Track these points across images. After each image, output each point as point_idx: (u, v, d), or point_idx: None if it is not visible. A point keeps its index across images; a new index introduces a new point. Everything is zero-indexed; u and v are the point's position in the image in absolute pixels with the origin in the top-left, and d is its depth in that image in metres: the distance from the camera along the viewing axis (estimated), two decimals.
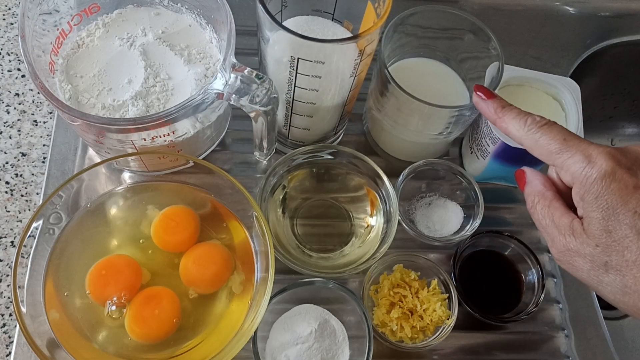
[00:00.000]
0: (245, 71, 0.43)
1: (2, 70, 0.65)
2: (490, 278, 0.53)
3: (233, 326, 0.44)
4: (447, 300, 0.48)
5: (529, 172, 0.41)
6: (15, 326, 0.54)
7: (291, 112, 0.50)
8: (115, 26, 0.51)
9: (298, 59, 0.42)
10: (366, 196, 0.53)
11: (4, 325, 0.55)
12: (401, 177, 0.52)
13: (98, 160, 0.53)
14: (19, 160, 0.61)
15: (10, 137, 0.62)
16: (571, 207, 0.37)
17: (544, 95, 0.53)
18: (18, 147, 0.62)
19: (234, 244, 0.48)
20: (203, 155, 0.55)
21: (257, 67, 0.46)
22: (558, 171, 0.38)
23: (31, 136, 0.62)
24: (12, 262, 0.56)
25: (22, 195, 0.60)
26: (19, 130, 0.62)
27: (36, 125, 0.63)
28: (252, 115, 0.45)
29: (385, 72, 0.47)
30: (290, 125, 0.52)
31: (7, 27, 0.68)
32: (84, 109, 0.47)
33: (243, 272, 0.47)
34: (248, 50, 0.57)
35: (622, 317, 0.72)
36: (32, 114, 0.63)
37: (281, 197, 0.53)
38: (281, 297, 0.45)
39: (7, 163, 0.61)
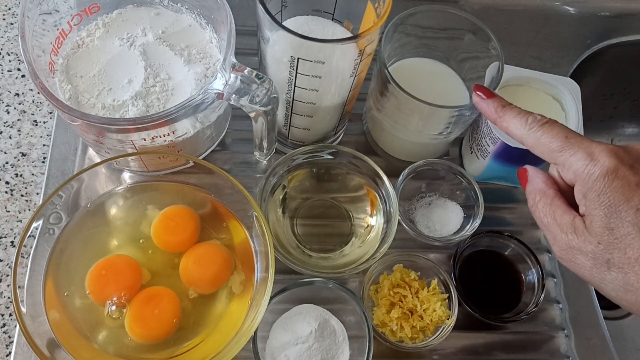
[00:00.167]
0: (245, 71, 0.43)
1: (2, 70, 0.65)
2: (490, 278, 0.53)
3: (233, 326, 0.44)
4: (447, 300, 0.48)
5: (530, 170, 0.41)
6: (15, 326, 0.54)
7: (291, 112, 0.50)
8: (115, 26, 0.51)
9: (298, 59, 0.42)
10: (366, 196, 0.53)
11: (4, 325, 0.55)
12: (401, 177, 0.52)
13: (98, 160, 0.53)
14: (19, 160, 0.61)
15: (10, 137, 0.62)
16: (572, 206, 0.37)
17: (544, 95, 0.53)
18: (18, 147, 0.62)
19: (234, 244, 0.48)
20: (203, 155, 0.55)
21: (257, 67, 0.46)
22: (560, 169, 0.38)
23: (31, 136, 0.62)
24: (12, 262, 0.56)
25: (22, 195, 0.60)
26: (19, 130, 0.62)
27: (36, 125, 0.63)
28: (252, 115, 0.45)
29: (385, 72, 0.47)
30: (290, 125, 0.52)
31: (7, 27, 0.68)
32: (84, 109, 0.47)
33: (243, 272, 0.47)
34: (248, 50, 0.57)
35: (622, 317, 0.72)
36: (32, 114, 0.63)
37: (281, 197, 0.53)
38: (281, 297, 0.45)
39: (7, 163, 0.61)
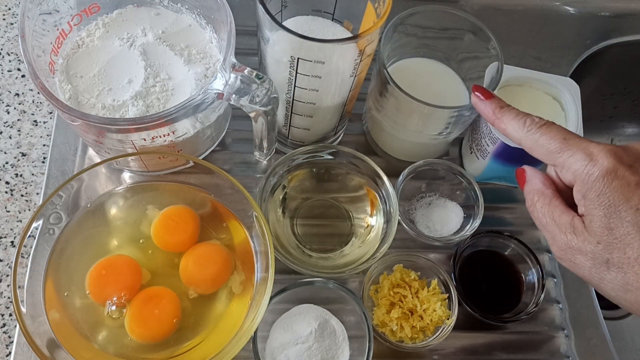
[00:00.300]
0: (245, 71, 0.43)
1: (2, 70, 0.65)
2: (490, 278, 0.53)
3: (233, 326, 0.44)
4: (447, 300, 0.48)
5: (529, 170, 0.41)
6: (15, 326, 0.54)
7: (291, 112, 0.50)
8: (115, 26, 0.51)
9: (298, 59, 0.42)
10: (366, 196, 0.53)
11: (4, 325, 0.55)
12: (401, 177, 0.52)
13: (98, 160, 0.53)
14: (19, 160, 0.61)
15: (10, 137, 0.62)
16: (570, 206, 0.37)
17: (543, 95, 0.53)
18: (18, 147, 0.62)
19: (234, 244, 0.48)
20: (203, 155, 0.55)
21: (257, 67, 0.46)
22: (559, 171, 0.38)
23: (31, 136, 0.62)
24: (12, 262, 0.56)
25: (22, 195, 0.60)
26: (19, 130, 0.62)
27: (36, 125, 0.63)
28: (252, 115, 0.45)
29: (385, 72, 0.47)
30: (290, 125, 0.52)
31: (7, 27, 0.68)
32: (84, 109, 0.47)
33: (243, 272, 0.47)
34: (248, 50, 0.57)
35: (622, 317, 0.72)
36: (32, 114, 0.63)
37: (281, 197, 0.53)
38: (281, 297, 0.45)
39: (7, 163, 0.61)
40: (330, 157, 0.52)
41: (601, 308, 0.54)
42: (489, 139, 0.50)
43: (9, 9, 0.70)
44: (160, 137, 0.46)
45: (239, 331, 0.43)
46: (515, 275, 0.53)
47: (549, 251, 0.55)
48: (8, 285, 0.56)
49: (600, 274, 0.35)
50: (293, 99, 0.47)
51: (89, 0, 0.50)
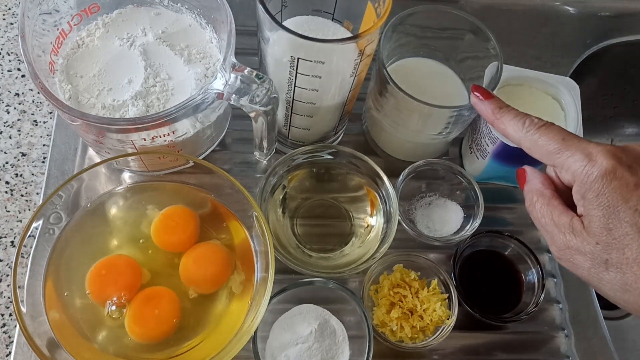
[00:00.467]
0: (245, 71, 0.43)
1: (2, 70, 0.65)
2: (490, 278, 0.53)
3: (233, 326, 0.44)
4: (447, 300, 0.48)
5: (528, 170, 0.41)
6: (15, 326, 0.54)
7: (291, 112, 0.50)
8: (115, 26, 0.51)
9: (298, 59, 0.42)
10: (366, 196, 0.53)
11: (4, 325, 0.55)
12: (401, 177, 0.52)
13: (98, 160, 0.53)
14: (19, 160, 0.61)
15: (10, 137, 0.62)
16: (569, 206, 0.37)
17: (543, 95, 0.53)
18: (18, 147, 0.62)
19: (234, 244, 0.48)
20: (203, 155, 0.55)
21: (257, 67, 0.46)
22: (558, 171, 0.38)
23: (31, 136, 0.62)
24: (12, 262, 0.56)
25: (22, 195, 0.60)
26: (19, 130, 0.62)
27: (36, 125, 0.63)
28: (252, 115, 0.45)
29: (384, 72, 0.47)
30: (290, 125, 0.52)
31: (7, 27, 0.68)
32: (84, 109, 0.47)
33: (243, 272, 0.47)
34: (248, 50, 0.57)
35: (622, 317, 0.72)
36: (32, 114, 0.63)
37: (281, 197, 0.53)
38: (281, 297, 0.45)
39: (7, 163, 0.61)
40: (330, 157, 0.52)
41: (601, 308, 0.54)
42: (488, 139, 0.50)
43: (9, 9, 0.70)
44: (160, 137, 0.46)
45: (239, 331, 0.43)
46: (515, 275, 0.53)
47: (549, 251, 0.55)
48: (8, 285, 0.56)
49: (599, 274, 0.35)
50: (293, 99, 0.47)
51: (89, 0, 0.50)
